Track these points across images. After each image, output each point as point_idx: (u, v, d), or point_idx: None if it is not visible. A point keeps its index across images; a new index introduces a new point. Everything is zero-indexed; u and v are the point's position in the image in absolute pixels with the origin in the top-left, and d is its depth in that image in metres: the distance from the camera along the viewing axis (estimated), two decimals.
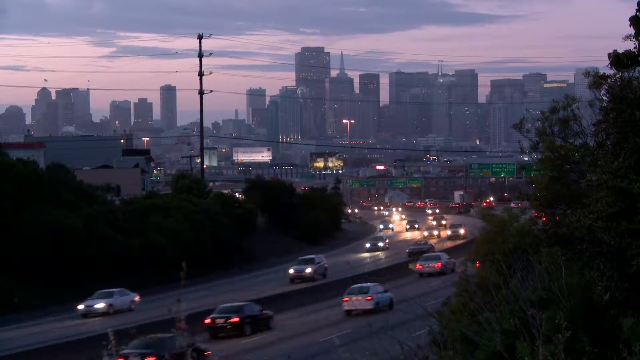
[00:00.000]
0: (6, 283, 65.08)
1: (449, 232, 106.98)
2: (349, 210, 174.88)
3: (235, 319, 46.92)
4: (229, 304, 50.34)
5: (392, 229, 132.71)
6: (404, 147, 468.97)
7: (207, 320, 46.91)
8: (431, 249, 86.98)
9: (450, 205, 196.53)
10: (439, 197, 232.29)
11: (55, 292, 67.94)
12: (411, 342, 16.26)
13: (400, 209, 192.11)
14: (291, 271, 73.66)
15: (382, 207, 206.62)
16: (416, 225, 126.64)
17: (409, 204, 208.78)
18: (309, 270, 73.00)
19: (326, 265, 75.54)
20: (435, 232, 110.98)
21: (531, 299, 14.17)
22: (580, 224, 15.75)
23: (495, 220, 29.39)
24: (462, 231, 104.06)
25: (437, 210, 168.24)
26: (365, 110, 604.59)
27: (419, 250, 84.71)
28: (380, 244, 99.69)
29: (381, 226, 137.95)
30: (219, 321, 46.93)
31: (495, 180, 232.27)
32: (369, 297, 51.63)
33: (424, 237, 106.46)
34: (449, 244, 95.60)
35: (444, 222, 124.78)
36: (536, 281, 15.46)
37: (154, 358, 34.63)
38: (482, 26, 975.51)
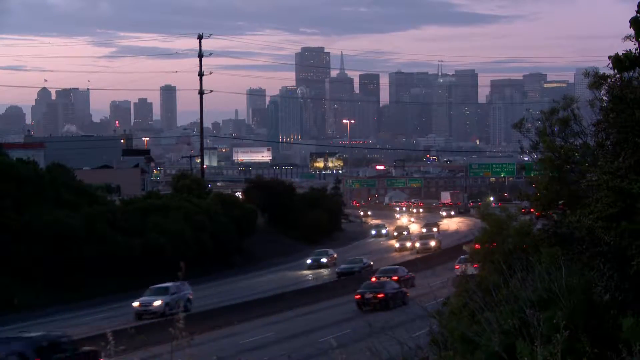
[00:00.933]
0: (6, 283, 65.05)
1: (417, 245, 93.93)
2: (361, 212, 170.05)
3: (395, 278, 60.90)
4: (387, 267, 68.86)
5: (386, 235, 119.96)
6: (404, 147, 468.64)
7: (373, 279, 60.99)
8: (367, 267, 75.31)
9: (433, 205, 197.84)
10: (436, 197, 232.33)
11: (55, 292, 67.95)
12: (411, 342, 16.26)
13: (422, 210, 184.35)
14: (136, 304, 56.37)
15: (404, 208, 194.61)
16: (405, 233, 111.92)
17: (460, 202, 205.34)
18: (158, 303, 55.85)
19: (190, 295, 58.52)
20: (409, 244, 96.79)
21: (531, 299, 14.16)
22: (580, 224, 15.75)
23: (494, 220, 29.37)
24: (432, 243, 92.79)
25: (452, 212, 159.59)
26: (365, 110, 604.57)
27: (349, 271, 73.72)
28: (323, 260, 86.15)
29: (373, 231, 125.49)
30: (383, 279, 60.21)
31: (495, 180, 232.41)
32: (475, 265, 61.42)
33: (396, 249, 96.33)
34: (414, 257, 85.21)
35: (435, 229, 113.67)
36: (536, 281, 15.46)
37: (382, 294, 53.57)
38: (482, 26, 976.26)
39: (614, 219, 14.44)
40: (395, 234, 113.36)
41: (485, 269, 24.88)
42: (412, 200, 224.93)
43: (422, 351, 14.97)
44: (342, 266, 76.83)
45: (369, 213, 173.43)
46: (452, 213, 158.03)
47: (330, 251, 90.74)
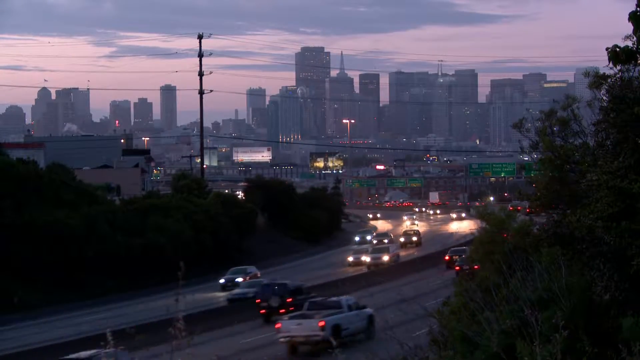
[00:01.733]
0: (6, 283, 65.07)
1: (368, 259, 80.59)
2: (370, 215, 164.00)
3: (456, 257, 69.15)
4: (456, 247, 76.10)
5: (371, 241, 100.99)
6: (404, 147, 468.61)
7: (446, 258, 72.74)
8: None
9: (418, 204, 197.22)
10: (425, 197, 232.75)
11: (55, 292, 67.96)
12: (411, 342, 16.26)
13: (438, 211, 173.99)
14: None
15: (424, 209, 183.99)
16: (385, 241, 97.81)
17: (448, 203, 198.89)
18: None
19: None
20: (364, 258, 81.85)
21: (531, 299, 14.17)
22: (580, 224, 15.75)
23: (494, 220, 29.35)
24: (385, 258, 79.70)
25: (463, 215, 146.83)
26: (365, 110, 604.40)
27: (243, 296, 60.91)
28: (239, 279, 70.44)
29: (357, 237, 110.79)
30: (455, 257, 69.51)
31: (495, 180, 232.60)
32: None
33: (350, 263, 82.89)
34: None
35: (414, 238, 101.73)
36: (536, 281, 15.47)
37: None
38: (482, 26, 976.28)
39: (614, 219, 14.44)
40: (375, 241, 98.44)
41: (485, 269, 24.87)
42: (401, 200, 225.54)
43: (422, 351, 14.96)
44: (236, 291, 64.45)
45: (378, 215, 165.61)
46: (463, 215, 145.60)
47: (251, 269, 75.08)
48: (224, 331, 49.62)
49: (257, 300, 53.15)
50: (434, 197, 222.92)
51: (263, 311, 51.89)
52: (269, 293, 52.56)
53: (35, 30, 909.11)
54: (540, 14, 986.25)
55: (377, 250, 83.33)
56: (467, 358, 14.36)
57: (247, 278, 70.81)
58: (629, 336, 12.36)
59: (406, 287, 52.12)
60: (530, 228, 24.61)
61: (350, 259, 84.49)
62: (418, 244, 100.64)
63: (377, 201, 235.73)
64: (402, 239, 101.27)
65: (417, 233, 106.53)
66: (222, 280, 71.87)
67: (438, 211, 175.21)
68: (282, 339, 41.41)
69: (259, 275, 73.24)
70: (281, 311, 50.00)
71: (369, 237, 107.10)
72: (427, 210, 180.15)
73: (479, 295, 16.48)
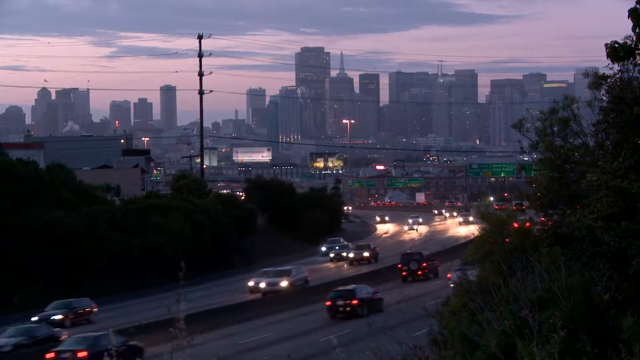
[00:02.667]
0: (6, 283, 65.07)
1: (263, 285, 65.40)
2: (378, 218, 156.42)
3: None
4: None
5: (338, 255, 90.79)
6: (404, 147, 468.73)
7: None
8: (42, 340, 44.88)
9: (401, 204, 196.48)
10: (442, 196, 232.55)
11: (55, 292, 67.89)
12: (411, 342, 16.26)
13: (455, 213, 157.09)
14: None
15: (443, 210, 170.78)
16: (344, 254, 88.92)
17: (433, 203, 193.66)
18: None
19: None
20: (284, 283, 65.50)
21: (531, 299, 14.17)
22: (580, 224, 15.75)
23: (495, 219, 29.36)
24: (284, 283, 65.29)
25: (471, 218, 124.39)
26: (365, 110, 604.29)
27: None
28: (58, 317, 54.13)
29: (323, 248, 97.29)
30: None
31: (495, 180, 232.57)
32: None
33: (250, 289, 66.31)
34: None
35: (366, 254, 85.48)
36: (536, 281, 15.47)
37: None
38: (482, 26, 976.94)
39: (614, 219, 14.45)
40: (332, 255, 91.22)
41: (485, 269, 24.88)
42: (390, 200, 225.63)
43: (422, 351, 14.96)
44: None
45: (386, 218, 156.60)
46: (471, 219, 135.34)
47: (83, 302, 57.67)
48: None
49: (399, 265, 69.43)
50: (420, 197, 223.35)
51: (404, 273, 68.39)
52: (409, 260, 69.59)
53: (36, 30, 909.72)
54: (540, 14, 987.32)
55: (276, 274, 67.64)
56: (467, 358, 14.36)
57: (71, 316, 54.97)
58: (629, 336, 12.37)
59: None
60: (531, 228, 24.64)
61: (251, 283, 67.48)
62: (371, 260, 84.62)
63: (376, 201, 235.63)
64: (351, 255, 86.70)
65: (369, 247, 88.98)
66: (35, 318, 53.70)
67: (455, 213, 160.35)
68: (452, 285, 51.50)
69: (95, 310, 56.86)
70: (419, 273, 68.27)
71: (337, 248, 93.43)
72: (445, 213, 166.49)
73: (478, 295, 16.50)
